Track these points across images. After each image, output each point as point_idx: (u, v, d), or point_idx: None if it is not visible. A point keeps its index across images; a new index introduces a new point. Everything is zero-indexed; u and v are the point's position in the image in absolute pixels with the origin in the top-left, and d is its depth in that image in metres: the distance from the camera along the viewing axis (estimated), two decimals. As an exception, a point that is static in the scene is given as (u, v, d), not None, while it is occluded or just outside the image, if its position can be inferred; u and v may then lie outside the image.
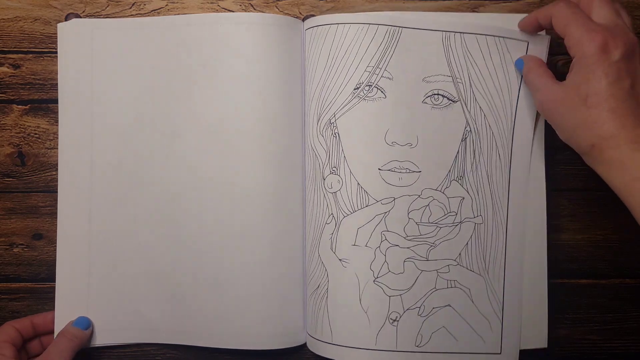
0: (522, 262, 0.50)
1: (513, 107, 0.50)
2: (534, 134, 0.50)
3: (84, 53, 0.52)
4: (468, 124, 0.49)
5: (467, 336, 0.49)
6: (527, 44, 0.49)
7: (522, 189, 0.50)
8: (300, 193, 0.51)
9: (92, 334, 0.51)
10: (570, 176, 0.53)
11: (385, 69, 0.49)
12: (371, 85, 0.49)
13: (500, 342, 0.49)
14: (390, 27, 0.49)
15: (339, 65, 0.49)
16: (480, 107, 0.49)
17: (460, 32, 0.49)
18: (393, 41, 0.49)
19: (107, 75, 0.52)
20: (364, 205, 0.49)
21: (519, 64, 0.49)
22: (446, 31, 0.49)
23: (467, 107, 0.49)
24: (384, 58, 0.49)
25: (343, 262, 0.49)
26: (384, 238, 0.49)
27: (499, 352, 0.49)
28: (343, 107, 0.49)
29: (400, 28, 0.49)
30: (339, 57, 0.49)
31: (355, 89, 0.49)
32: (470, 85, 0.49)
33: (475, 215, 0.49)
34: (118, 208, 0.52)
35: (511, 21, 0.49)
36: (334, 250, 0.49)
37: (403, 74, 0.49)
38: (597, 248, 0.53)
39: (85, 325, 0.51)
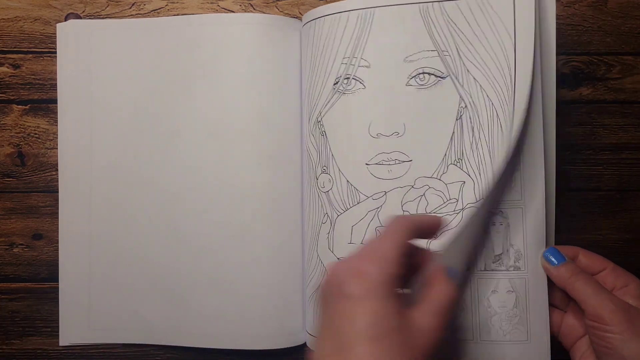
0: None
1: (511, 70, 0.44)
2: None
3: (82, 54, 0.52)
4: (462, 99, 0.45)
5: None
6: None
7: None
8: (299, 193, 0.51)
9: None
10: (571, 176, 0.53)
11: (361, 58, 0.47)
12: (349, 78, 0.47)
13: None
14: (362, 10, 0.46)
15: (319, 61, 0.48)
16: (474, 78, 0.45)
17: (439, 1, 0.45)
18: (366, 25, 0.46)
19: (105, 76, 0.52)
20: (356, 203, 0.47)
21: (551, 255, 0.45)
22: (423, 2, 0.45)
23: (458, 81, 0.45)
24: (359, 46, 0.47)
25: None
26: (379, 233, 0.48)
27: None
28: (326, 105, 0.48)
29: (372, 9, 0.46)
30: (319, 53, 0.48)
31: (334, 84, 0.47)
32: (460, 56, 0.45)
33: (478, 199, 0.45)
34: (117, 207, 0.52)
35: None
36: (331, 250, 0.49)
37: (381, 59, 0.46)
38: (597, 248, 0.53)
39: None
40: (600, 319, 0.40)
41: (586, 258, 0.45)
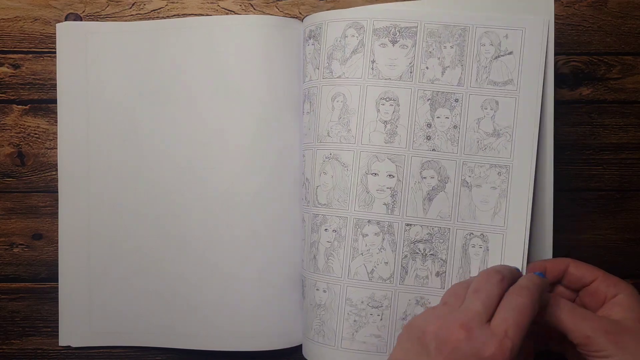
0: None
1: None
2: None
3: (80, 55, 0.52)
4: None
5: None
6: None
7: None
8: (299, 194, 0.51)
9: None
10: (571, 176, 0.53)
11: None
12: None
13: None
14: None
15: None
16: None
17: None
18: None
19: (105, 77, 0.52)
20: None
21: None
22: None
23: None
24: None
25: None
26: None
27: None
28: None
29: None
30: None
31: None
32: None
33: None
34: (117, 208, 0.52)
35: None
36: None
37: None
38: (597, 248, 0.53)
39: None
40: (586, 347, 0.40)
41: (576, 269, 0.44)
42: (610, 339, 0.39)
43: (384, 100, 0.46)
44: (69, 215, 0.52)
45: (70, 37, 0.52)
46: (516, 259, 0.45)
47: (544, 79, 0.46)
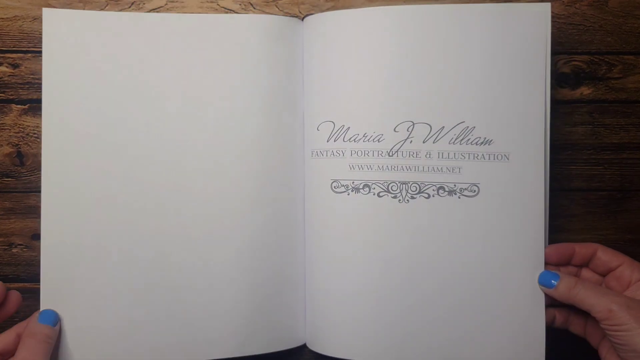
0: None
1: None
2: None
3: (69, 49, 0.49)
4: None
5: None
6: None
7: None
8: (302, 192, 0.51)
9: (60, 330, 0.46)
10: (572, 176, 0.53)
11: None
12: None
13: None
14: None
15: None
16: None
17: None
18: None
19: (93, 73, 0.49)
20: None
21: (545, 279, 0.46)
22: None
23: None
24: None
25: None
26: None
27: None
28: None
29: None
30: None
31: None
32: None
33: None
34: (104, 209, 0.49)
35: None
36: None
37: None
38: (598, 248, 0.53)
39: (53, 320, 0.46)
40: (608, 321, 0.42)
41: (604, 254, 0.46)
42: (632, 314, 0.41)
43: None
44: (53, 216, 0.48)
45: (57, 28, 0.48)
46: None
47: (545, 76, 0.47)
